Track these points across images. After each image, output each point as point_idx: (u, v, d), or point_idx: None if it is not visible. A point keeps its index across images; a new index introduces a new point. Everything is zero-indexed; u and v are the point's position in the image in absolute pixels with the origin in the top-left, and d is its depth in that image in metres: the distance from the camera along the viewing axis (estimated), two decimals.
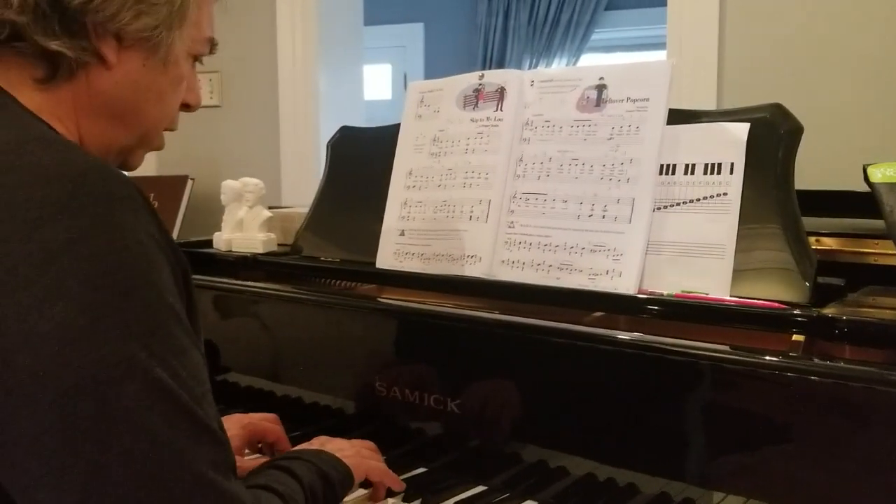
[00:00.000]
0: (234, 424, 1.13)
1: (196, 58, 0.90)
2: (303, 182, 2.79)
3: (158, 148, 0.93)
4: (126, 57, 0.81)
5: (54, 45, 0.76)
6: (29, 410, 0.64)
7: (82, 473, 0.65)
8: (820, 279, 1.05)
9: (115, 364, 0.66)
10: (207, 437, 0.71)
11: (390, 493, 1.08)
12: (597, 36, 4.98)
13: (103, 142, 0.85)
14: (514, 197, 1.25)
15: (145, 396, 0.67)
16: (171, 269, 0.74)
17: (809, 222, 1.10)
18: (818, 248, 1.20)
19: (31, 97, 0.78)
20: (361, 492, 1.07)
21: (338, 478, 0.95)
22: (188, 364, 0.71)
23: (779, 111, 1.11)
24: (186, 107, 0.93)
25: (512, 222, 1.24)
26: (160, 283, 0.71)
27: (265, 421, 1.19)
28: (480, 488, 1.09)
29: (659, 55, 4.33)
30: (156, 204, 0.81)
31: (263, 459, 1.14)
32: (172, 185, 2.72)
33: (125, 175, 0.74)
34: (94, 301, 0.66)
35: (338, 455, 0.99)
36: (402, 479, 1.10)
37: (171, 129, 0.93)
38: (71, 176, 0.69)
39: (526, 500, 1.05)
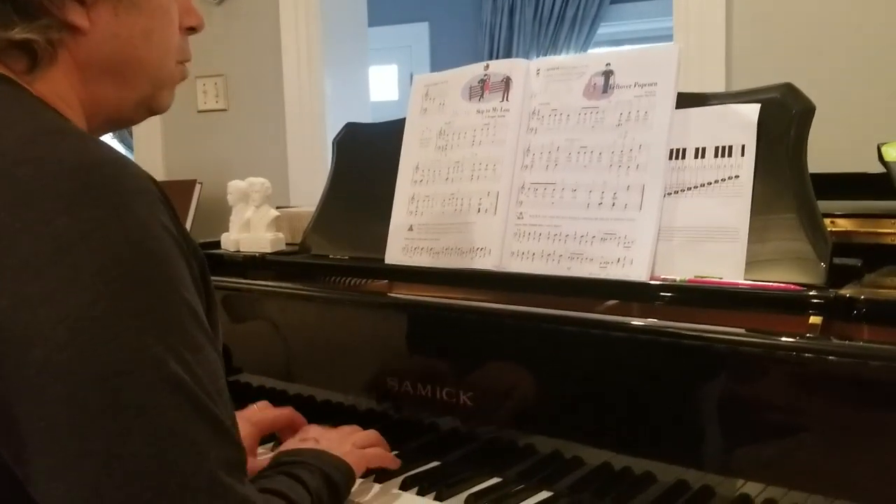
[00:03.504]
0: (245, 423, 1.11)
1: None
2: (311, 182, 2.79)
3: (182, 79, 0.91)
4: (96, 16, 0.78)
5: (17, 35, 0.74)
6: (41, 402, 0.64)
7: (94, 466, 0.64)
8: (836, 260, 1.03)
9: (129, 356, 0.65)
10: (222, 436, 0.70)
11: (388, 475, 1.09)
12: (603, 30, 4.98)
13: (116, 103, 0.84)
14: (523, 188, 1.24)
15: (159, 390, 0.66)
16: (188, 264, 0.73)
17: (824, 204, 1.08)
18: (833, 229, 1.18)
19: (33, 89, 0.77)
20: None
21: (341, 479, 0.95)
22: (203, 360, 0.70)
23: (790, 91, 1.09)
24: (191, 30, 0.90)
25: (521, 213, 1.23)
26: (175, 277, 0.70)
27: (273, 410, 1.19)
28: (495, 480, 1.07)
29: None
30: None
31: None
32: (180, 190, 2.72)
33: (141, 168, 0.72)
34: (108, 293, 0.65)
35: (337, 454, 0.98)
36: (416, 473, 1.09)
37: (186, 60, 0.90)
38: (85, 168, 0.68)
39: (541, 490, 1.04)
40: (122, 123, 0.90)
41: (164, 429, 0.66)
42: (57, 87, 0.79)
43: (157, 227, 0.69)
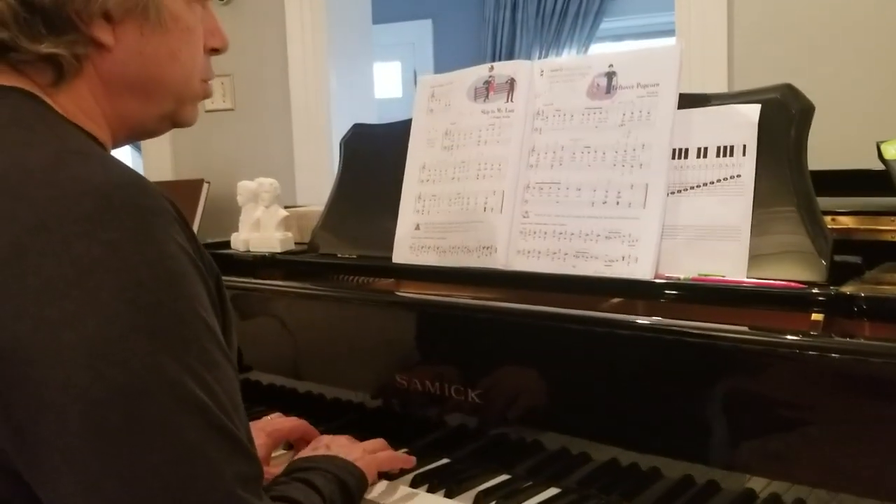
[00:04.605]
0: (260, 433, 1.13)
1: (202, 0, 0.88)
2: (317, 181, 2.80)
3: (206, 96, 0.92)
4: (122, 33, 0.79)
5: (45, 49, 0.75)
6: (60, 423, 0.65)
7: (114, 486, 0.65)
8: (837, 257, 1.04)
9: (145, 376, 0.66)
10: (238, 452, 0.71)
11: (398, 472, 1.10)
12: (605, 25, 4.98)
13: (139, 117, 0.85)
14: (528, 187, 1.25)
15: (176, 408, 0.67)
16: (204, 281, 0.74)
17: (824, 202, 1.09)
18: (834, 226, 1.19)
19: (57, 102, 0.78)
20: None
21: (354, 483, 0.96)
22: (220, 378, 0.71)
23: (790, 91, 1.10)
24: (215, 51, 0.91)
25: (526, 212, 1.25)
26: (192, 296, 0.71)
27: (288, 422, 1.20)
28: (504, 477, 1.09)
29: (668, 42, 4.32)
30: None
31: (288, 456, 1.16)
32: (188, 189, 2.74)
33: (158, 188, 0.73)
34: (125, 314, 0.66)
35: (349, 459, 0.99)
36: (426, 471, 1.11)
37: (209, 79, 0.91)
38: (104, 190, 0.69)
39: (549, 487, 1.05)
40: (145, 135, 0.91)
41: (181, 447, 0.67)
42: (81, 100, 0.80)
43: (174, 247, 0.70)
